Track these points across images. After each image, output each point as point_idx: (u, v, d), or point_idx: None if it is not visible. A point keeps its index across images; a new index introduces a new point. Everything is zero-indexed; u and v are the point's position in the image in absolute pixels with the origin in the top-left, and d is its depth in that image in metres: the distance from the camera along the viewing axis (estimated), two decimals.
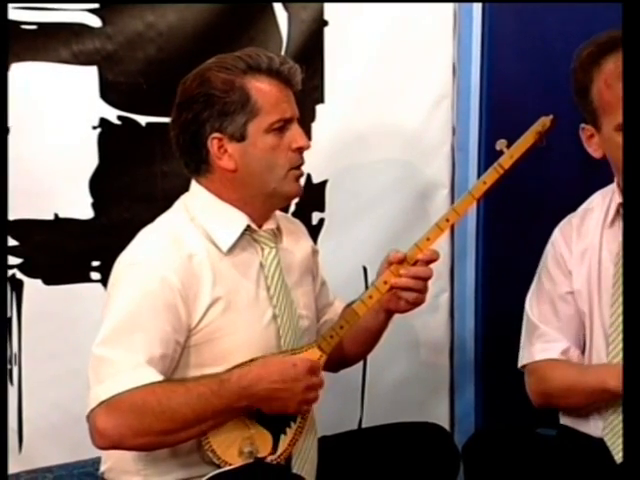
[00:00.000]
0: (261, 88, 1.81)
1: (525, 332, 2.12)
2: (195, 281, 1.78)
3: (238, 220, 1.86)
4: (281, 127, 1.83)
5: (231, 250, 1.85)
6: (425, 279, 1.88)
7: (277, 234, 1.93)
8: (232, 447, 1.77)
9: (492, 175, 1.87)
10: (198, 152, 1.84)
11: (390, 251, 1.89)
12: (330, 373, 1.99)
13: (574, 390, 1.99)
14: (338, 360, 2.02)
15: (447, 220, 1.89)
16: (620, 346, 1.93)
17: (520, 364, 2.11)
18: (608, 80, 1.86)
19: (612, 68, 1.85)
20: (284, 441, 1.82)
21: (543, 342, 2.06)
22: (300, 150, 1.87)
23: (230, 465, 1.76)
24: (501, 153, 1.88)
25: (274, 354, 1.83)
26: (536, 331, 2.08)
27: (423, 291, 1.89)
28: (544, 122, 1.87)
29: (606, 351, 1.97)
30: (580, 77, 1.92)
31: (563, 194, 2.34)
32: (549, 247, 2.11)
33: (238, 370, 1.75)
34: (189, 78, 1.85)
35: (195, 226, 1.85)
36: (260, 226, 1.89)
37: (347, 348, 2.03)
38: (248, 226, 1.87)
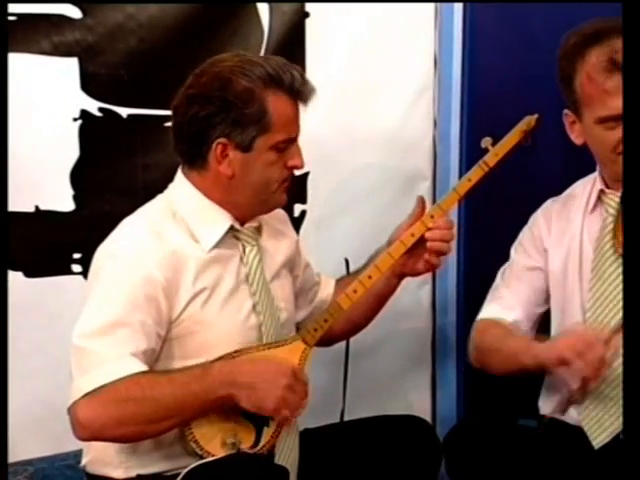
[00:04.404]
0: (278, 106, 1.80)
1: (488, 295, 2.15)
2: (177, 275, 1.78)
3: (222, 220, 1.86)
4: (285, 146, 1.83)
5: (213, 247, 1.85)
6: (451, 228, 1.95)
7: (259, 230, 1.94)
8: (215, 438, 1.77)
9: (477, 172, 1.90)
10: (199, 148, 1.82)
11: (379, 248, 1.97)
12: (311, 367, 1.99)
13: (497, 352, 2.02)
14: (346, 327, 2.06)
15: (432, 217, 1.93)
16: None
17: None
18: (591, 73, 1.87)
19: (595, 62, 1.87)
20: (267, 433, 1.83)
21: (499, 305, 2.10)
22: (294, 169, 1.87)
23: (213, 456, 1.76)
24: (486, 151, 1.90)
25: (259, 347, 1.83)
26: (496, 292, 2.12)
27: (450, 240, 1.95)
28: (529, 121, 1.90)
29: None
30: (564, 66, 1.94)
31: (545, 188, 2.34)
32: (528, 226, 2.14)
33: (222, 360, 1.76)
34: (207, 73, 1.81)
35: (177, 221, 1.85)
36: (242, 224, 1.89)
37: (356, 314, 2.05)
38: (231, 225, 1.87)
